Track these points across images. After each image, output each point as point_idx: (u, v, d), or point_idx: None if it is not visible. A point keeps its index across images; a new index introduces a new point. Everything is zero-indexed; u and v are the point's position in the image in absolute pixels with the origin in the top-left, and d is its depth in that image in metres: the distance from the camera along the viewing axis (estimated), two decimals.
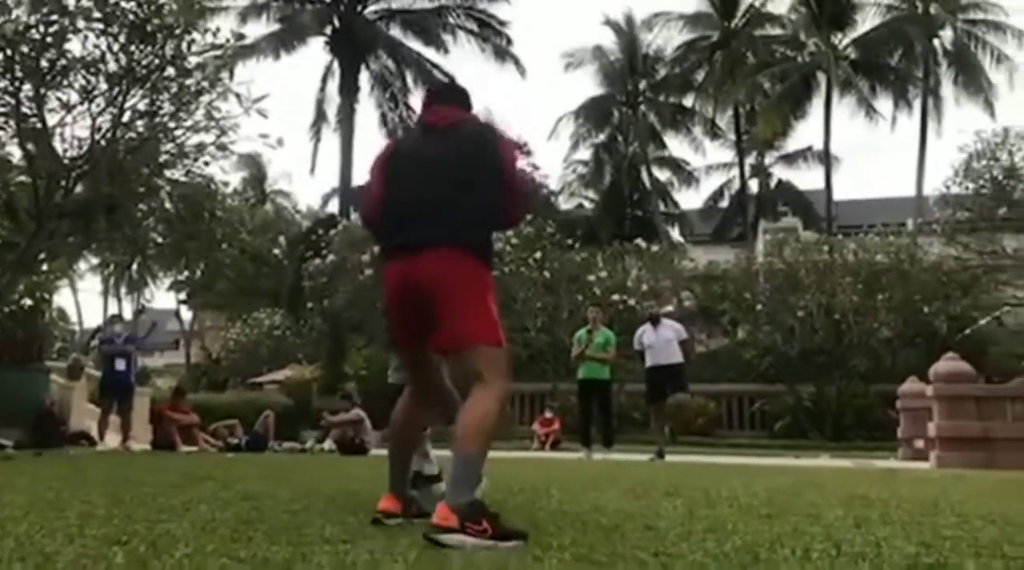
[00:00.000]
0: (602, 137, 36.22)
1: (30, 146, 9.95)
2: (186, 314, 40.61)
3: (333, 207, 32.89)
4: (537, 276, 19.72)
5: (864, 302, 19.02)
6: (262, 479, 4.92)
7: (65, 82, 9.57)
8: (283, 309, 28.42)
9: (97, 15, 9.26)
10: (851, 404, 18.01)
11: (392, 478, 3.12)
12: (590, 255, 21.35)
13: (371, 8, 30.38)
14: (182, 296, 37.32)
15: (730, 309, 21.52)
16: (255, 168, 39.02)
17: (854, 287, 19.09)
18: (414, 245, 2.88)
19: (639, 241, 22.83)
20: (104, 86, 9.65)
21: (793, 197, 34.77)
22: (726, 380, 19.98)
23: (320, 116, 30.48)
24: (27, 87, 9.38)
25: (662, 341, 10.20)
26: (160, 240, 12.67)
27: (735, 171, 35.67)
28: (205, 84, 9.96)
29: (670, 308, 17.27)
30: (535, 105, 71.05)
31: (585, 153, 36.66)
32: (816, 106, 31.12)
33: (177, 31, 9.55)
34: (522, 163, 27.87)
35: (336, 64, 29.72)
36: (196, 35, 9.76)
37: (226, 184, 12.25)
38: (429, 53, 30.09)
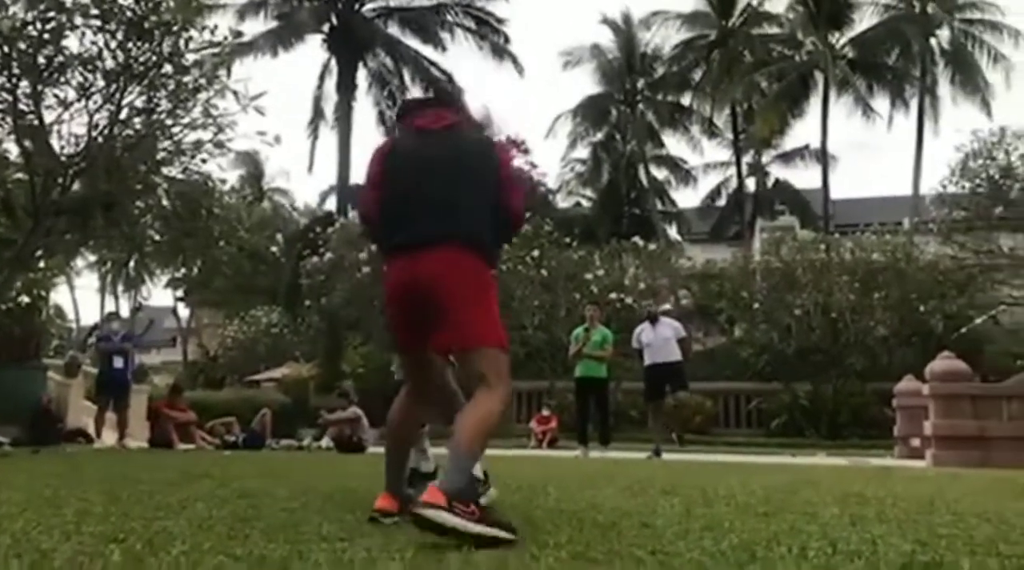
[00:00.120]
0: (600, 135, 36.26)
1: (27, 143, 9.93)
2: (183, 312, 40.63)
3: (331, 205, 32.88)
4: (535, 274, 19.71)
5: (860, 301, 19.05)
6: (259, 477, 4.92)
7: (62, 79, 9.55)
8: (280, 307, 28.41)
9: (94, 12, 9.23)
10: (847, 402, 18.03)
11: (388, 477, 3.12)
12: (588, 253, 21.36)
13: (369, 6, 30.35)
14: (179, 293, 37.29)
15: (727, 307, 21.55)
16: (253, 166, 39.00)
17: (851, 286, 19.11)
18: (416, 244, 2.87)
19: (636, 239, 22.86)
20: (101, 83, 9.63)
21: (790, 196, 34.85)
22: (723, 378, 19.99)
23: (318, 114, 30.45)
24: (24, 84, 9.36)
25: (661, 339, 10.21)
26: (157, 237, 12.66)
27: (732, 170, 35.82)
28: (203, 81, 9.94)
29: (667, 306, 17.29)
30: (533, 103, 71.06)
31: (583, 151, 36.77)
32: (813, 105, 31.26)
33: (175, 28, 9.53)
34: (519, 161, 27.92)
35: (334, 62, 29.67)
36: (194, 32, 9.75)
37: (223, 181, 12.25)
38: (427, 51, 30.06)
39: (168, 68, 9.78)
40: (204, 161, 10.73)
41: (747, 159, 35.55)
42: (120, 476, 4.84)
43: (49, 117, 9.75)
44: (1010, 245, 19.68)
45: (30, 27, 9.07)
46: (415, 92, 28.29)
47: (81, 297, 73.87)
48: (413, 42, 30.22)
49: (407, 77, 30.02)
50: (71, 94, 9.66)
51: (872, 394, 17.13)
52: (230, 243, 12.85)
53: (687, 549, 2.39)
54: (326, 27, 29.48)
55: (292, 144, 46.09)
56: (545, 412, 16.86)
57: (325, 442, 11.30)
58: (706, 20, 34.00)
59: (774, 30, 33.59)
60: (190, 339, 38.62)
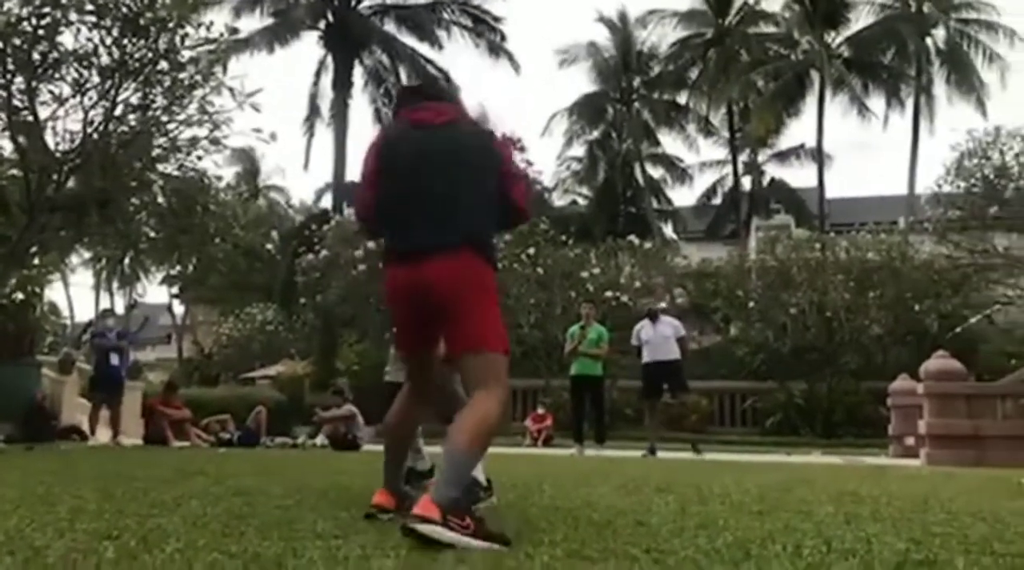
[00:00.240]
0: (596, 134, 36.25)
1: (22, 139, 9.90)
2: (178, 309, 40.61)
3: (326, 202, 32.80)
4: (530, 272, 19.70)
5: (856, 300, 19.08)
6: (254, 474, 4.91)
7: (57, 75, 9.52)
8: (275, 304, 28.37)
9: (90, 8, 9.21)
10: (842, 401, 18.05)
11: (387, 474, 3.12)
12: (583, 252, 21.34)
13: (365, 3, 30.27)
14: (174, 291, 37.24)
15: (722, 306, 21.57)
16: (248, 163, 38.99)
17: (846, 285, 19.14)
18: (421, 248, 2.82)
19: (632, 238, 22.84)
20: (96, 79, 9.61)
21: (786, 195, 34.92)
22: (718, 377, 19.99)
23: (313, 111, 30.37)
24: (19, 80, 9.34)
25: (660, 337, 10.23)
26: (152, 234, 12.63)
27: (728, 168, 35.82)
28: (198, 78, 9.93)
29: (663, 304, 17.29)
30: (529, 101, 71.03)
31: (579, 150, 36.73)
32: (809, 104, 31.33)
33: (170, 24, 9.51)
34: (516, 159, 27.90)
35: (330, 59, 29.60)
36: (189, 29, 9.75)
37: (219, 178, 12.18)
38: (423, 48, 30.00)
39: (164, 64, 9.77)
40: (200, 158, 10.75)
41: (743, 158, 35.59)
42: (114, 473, 4.84)
43: (44, 113, 9.75)
44: (1005, 245, 19.71)
45: (25, 23, 9.04)
46: None
47: (76, 294, 73.71)
48: (409, 39, 30.18)
49: (403, 74, 29.96)
50: (66, 90, 9.65)
51: (867, 393, 17.15)
52: (225, 240, 12.82)
53: (682, 547, 2.39)
54: (322, 24, 29.42)
55: (288, 141, 46.19)
56: (540, 410, 16.83)
57: (320, 440, 11.28)
58: (702, 19, 34.01)
59: (770, 29, 33.65)
60: (185, 336, 38.57)
